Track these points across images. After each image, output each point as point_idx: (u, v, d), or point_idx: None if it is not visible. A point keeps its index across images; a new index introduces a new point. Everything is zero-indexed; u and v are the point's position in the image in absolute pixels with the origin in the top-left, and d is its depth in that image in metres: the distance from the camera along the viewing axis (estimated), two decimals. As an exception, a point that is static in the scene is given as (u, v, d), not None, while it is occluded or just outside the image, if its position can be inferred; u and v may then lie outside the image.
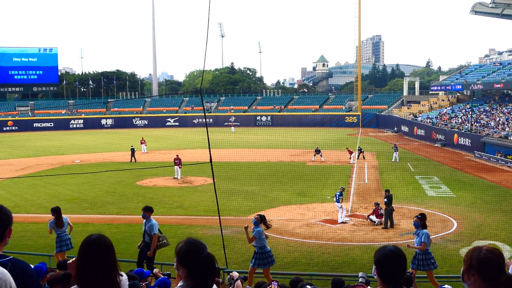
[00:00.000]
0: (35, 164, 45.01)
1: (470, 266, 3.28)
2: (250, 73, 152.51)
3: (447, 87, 77.52)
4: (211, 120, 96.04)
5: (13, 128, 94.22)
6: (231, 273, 9.42)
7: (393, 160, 44.91)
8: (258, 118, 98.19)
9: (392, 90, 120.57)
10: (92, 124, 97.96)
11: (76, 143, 66.83)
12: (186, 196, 30.26)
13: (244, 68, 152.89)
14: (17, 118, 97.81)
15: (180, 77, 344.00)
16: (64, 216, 15.35)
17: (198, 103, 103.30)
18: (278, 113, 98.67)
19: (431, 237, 14.68)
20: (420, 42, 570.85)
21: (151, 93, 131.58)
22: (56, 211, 15.06)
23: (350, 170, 40.33)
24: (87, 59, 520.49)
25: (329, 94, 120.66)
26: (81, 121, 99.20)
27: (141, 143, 54.11)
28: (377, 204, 23.50)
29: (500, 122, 53.18)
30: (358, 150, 46.64)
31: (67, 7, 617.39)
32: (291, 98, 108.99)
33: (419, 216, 14.20)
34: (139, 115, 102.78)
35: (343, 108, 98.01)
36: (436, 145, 59.15)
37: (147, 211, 14.45)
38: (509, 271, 3.63)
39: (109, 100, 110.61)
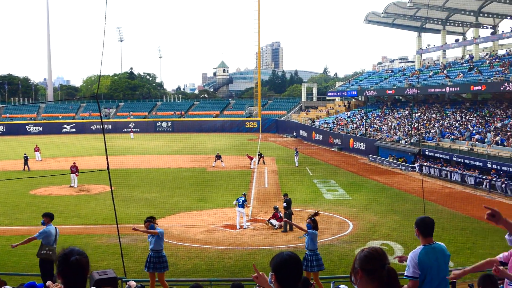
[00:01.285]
0: None
1: (355, 266, 3.46)
2: (150, 79, 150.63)
3: (343, 93, 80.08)
4: (109, 126, 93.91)
5: None
6: (128, 282, 9.28)
7: (296, 165, 45.84)
8: (159, 124, 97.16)
9: (291, 96, 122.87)
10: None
11: (-35, 151, 63.23)
12: (83, 205, 29.42)
13: (143, 73, 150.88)
14: None
15: (77, 82, 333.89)
16: None
17: (96, 109, 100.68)
18: (178, 119, 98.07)
19: (324, 239, 15.12)
20: (317, 49, 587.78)
21: (46, 99, 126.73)
22: None
23: (250, 175, 40.76)
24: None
25: (230, 99, 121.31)
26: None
27: (35, 151, 51.99)
28: (276, 208, 23.90)
29: (392, 126, 55.60)
30: (258, 155, 47.22)
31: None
32: (191, 103, 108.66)
33: (313, 218, 14.60)
34: (33, 121, 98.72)
35: (244, 113, 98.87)
36: (333, 149, 60.95)
37: (46, 217, 13.92)
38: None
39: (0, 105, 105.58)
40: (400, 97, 68.28)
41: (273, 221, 23.64)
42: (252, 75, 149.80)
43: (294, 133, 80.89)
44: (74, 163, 36.62)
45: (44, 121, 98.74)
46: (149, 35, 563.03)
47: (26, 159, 44.28)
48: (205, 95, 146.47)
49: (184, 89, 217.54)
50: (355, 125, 63.82)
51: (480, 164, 35.34)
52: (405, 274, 6.10)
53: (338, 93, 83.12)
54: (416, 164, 42.47)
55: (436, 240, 6.29)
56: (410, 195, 31.61)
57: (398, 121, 57.10)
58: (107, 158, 14.08)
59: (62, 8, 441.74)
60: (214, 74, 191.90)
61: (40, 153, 52.09)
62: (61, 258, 3.69)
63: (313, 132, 70.98)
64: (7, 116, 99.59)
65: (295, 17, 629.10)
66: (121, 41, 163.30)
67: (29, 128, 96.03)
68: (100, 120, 70.38)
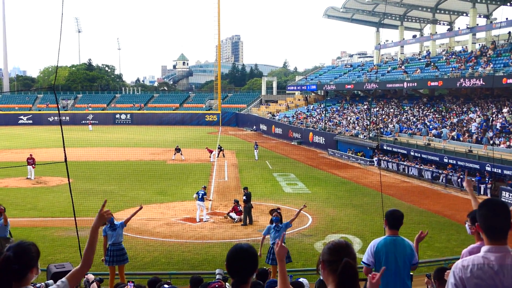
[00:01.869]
0: None
1: (320, 258, 3.52)
2: (109, 70, 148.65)
3: (303, 87, 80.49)
4: (67, 118, 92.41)
5: None
6: (86, 276, 9.16)
7: (256, 158, 45.91)
8: (118, 116, 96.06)
9: (251, 89, 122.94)
10: None
11: None
12: (41, 197, 28.93)
13: (102, 65, 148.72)
14: None
15: (33, 72, 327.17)
16: None
17: (53, 100, 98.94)
18: (138, 111, 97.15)
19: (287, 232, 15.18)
20: (277, 43, 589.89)
21: (1, 89, 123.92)
22: None
23: (210, 168, 40.69)
24: None
25: (190, 92, 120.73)
26: None
27: (-10, 142, 50.87)
28: (236, 202, 23.94)
29: (351, 121, 56.19)
30: (218, 148, 47.14)
31: None
32: (151, 96, 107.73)
33: (278, 210, 14.67)
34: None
35: (203, 106, 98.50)
36: (292, 143, 61.27)
37: None
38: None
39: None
40: (359, 91, 68.98)
41: (233, 215, 23.67)
42: (212, 68, 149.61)
43: (254, 127, 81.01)
44: (30, 154, 35.93)
45: (0, 112, 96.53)
46: (107, 26, 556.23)
47: (-20, 150, 43.30)
48: (165, 88, 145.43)
49: (143, 81, 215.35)
50: (314, 119, 64.23)
51: (437, 159, 36.01)
52: (362, 259, 6.27)
53: (298, 87, 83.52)
54: (375, 159, 43.04)
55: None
56: (369, 189, 32.03)
57: (357, 116, 57.74)
58: (64, 150, 13.80)
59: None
60: (174, 66, 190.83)
61: (-5, 144, 50.96)
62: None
63: (273, 126, 71.20)
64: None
65: (255, 10, 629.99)
66: (79, 32, 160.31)
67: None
68: (57, 112, 69.30)
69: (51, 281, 4.42)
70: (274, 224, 14.41)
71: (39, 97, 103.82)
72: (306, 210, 25.53)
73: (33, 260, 3.64)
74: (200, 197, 23.32)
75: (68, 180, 15.21)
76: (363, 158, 44.67)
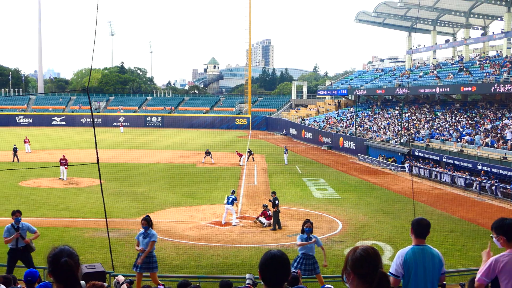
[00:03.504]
0: None
1: (347, 266, 3.42)
2: (141, 73, 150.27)
3: (333, 92, 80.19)
4: (99, 120, 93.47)
5: None
6: (117, 277, 9.19)
7: (286, 163, 45.78)
8: (148, 118, 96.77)
9: (281, 93, 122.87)
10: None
11: (-48, 142, 62.70)
12: (72, 198, 29.24)
13: (134, 67, 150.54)
14: None
15: (67, 75, 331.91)
16: None
17: (86, 102, 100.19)
18: (168, 114, 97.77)
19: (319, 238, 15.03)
20: (308, 47, 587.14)
21: (36, 91, 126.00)
22: None
23: (239, 172, 40.68)
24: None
25: (220, 96, 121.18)
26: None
27: (25, 142, 51.62)
28: (265, 206, 23.86)
29: (382, 126, 55.71)
30: (248, 152, 47.14)
31: None
32: (182, 99, 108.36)
33: (311, 221, 14.56)
34: (23, 113, 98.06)
35: (234, 110, 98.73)
36: (322, 148, 60.99)
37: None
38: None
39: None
40: (390, 96, 68.42)
41: (262, 219, 23.58)
42: (243, 72, 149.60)
43: (284, 131, 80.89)
44: (63, 155, 36.38)
45: (34, 113, 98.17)
46: (140, 30, 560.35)
47: (15, 150, 44.01)
48: (195, 91, 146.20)
49: (174, 84, 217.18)
50: (345, 124, 63.87)
51: (470, 165, 35.45)
52: (389, 270, 6.11)
53: (328, 92, 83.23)
54: (406, 165, 42.55)
55: (426, 241, 6.28)
56: (400, 196, 31.66)
57: (388, 121, 57.22)
58: (96, 152, 13.96)
59: (54, 0, 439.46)
60: (205, 70, 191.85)
61: (29, 145, 51.74)
62: (51, 259, 3.76)
63: (303, 130, 70.99)
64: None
65: (286, 14, 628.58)
66: (112, 35, 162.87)
67: (19, 120, 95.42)
68: (90, 114, 70.14)
69: (83, 282, 4.50)
70: (306, 235, 14.28)
71: (73, 99, 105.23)
72: (336, 216, 25.38)
73: (79, 261, 3.95)
74: (229, 201, 23.32)
75: (100, 182, 15.40)
76: (394, 164, 44.21)
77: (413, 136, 46.89)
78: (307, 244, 14.00)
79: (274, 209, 22.96)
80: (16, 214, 13.78)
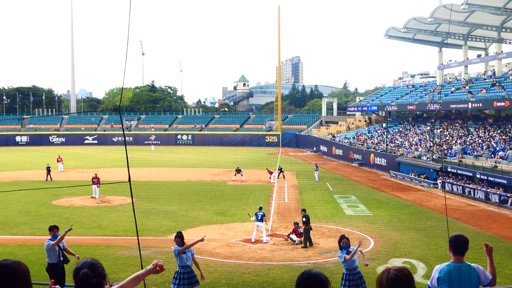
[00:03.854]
0: None
1: (381, 287, 3.36)
2: (171, 92, 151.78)
3: (364, 108, 79.74)
4: (131, 138, 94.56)
5: None
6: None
7: (317, 180, 45.57)
8: (179, 136, 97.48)
9: (311, 110, 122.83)
10: (6, 141, 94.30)
11: (-12, 161, 64.00)
12: (104, 216, 29.50)
13: (165, 86, 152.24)
14: None
15: (99, 94, 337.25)
16: None
17: (118, 121, 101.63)
18: (199, 132, 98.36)
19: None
20: (337, 64, 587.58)
21: (69, 110, 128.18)
22: None
23: (270, 190, 40.61)
24: (1, 73, 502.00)
25: (250, 113, 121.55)
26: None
27: (58, 161, 52.47)
28: (296, 224, 23.72)
29: (413, 142, 55.15)
30: (278, 169, 47.07)
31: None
32: (212, 117, 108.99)
33: (346, 237, 14.47)
34: (56, 132, 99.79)
35: (264, 127, 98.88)
36: (353, 164, 60.61)
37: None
38: None
39: (24, 116, 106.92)
40: (422, 112, 67.77)
41: (293, 237, 23.45)
42: (272, 89, 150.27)
43: (314, 148, 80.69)
44: (95, 174, 36.80)
45: (67, 132, 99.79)
46: (170, 49, 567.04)
47: (48, 170, 44.74)
48: (226, 109, 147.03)
49: (204, 102, 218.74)
50: (375, 141, 63.42)
51: (505, 181, 34.82)
52: (427, 283, 6.14)
53: (359, 108, 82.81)
54: (439, 181, 41.99)
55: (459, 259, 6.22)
56: (433, 213, 31.20)
57: (419, 137, 56.65)
58: (128, 170, 14.01)
59: (86, 21, 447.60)
60: (235, 88, 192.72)
61: (62, 163, 52.54)
62: (74, 272, 3.90)
63: (334, 147, 70.69)
64: (31, 127, 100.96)
65: (315, 31, 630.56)
66: (143, 54, 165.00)
67: (52, 139, 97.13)
68: (122, 132, 70.79)
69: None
70: (345, 251, 14.16)
71: (104, 118, 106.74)
72: (368, 233, 25.10)
73: (104, 272, 3.99)
74: (259, 218, 23.27)
75: (132, 200, 15.51)
76: (426, 180, 43.66)
77: (446, 152, 46.31)
78: (351, 258, 13.88)
79: (304, 227, 22.84)
80: (54, 229, 14.06)
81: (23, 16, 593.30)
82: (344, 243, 14.19)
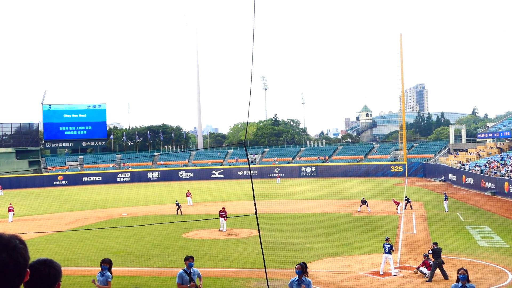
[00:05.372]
0: (83, 218, 45.71)
1: None
2: (294, 124, 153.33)
3: (495, 134, 76.17)
4: (255, 171, 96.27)
5: (63, 182, 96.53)
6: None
7: (446, 210, 43.86)
8: (303, 169, 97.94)
9: (437, 138, 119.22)
10: (139, 177, 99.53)
11: (123, 196, 67.73)
12: (232, 249, 30.06)
13: (287, 119, 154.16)
14: (67, 172, 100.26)
15: (224, 129, 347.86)
16: (108, 273, 14.85)
17: (243, 155, 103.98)
18: (322, 164, 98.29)
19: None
20: (464, 89, 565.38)
21: (196, 146, 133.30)
22: (109, 263, 14.82)
23: (397, 221, 39.58)
24: (134, 114, 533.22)
25: (374, 143, 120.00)
26: (128, 174, 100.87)
27: (187, 196, 54.48)
28: (426, 256, 22.93)
29: (552, 169, 51.72)
30: (405, 200, 45.84)
31: (116, 65, 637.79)
32: (335, 148, 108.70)
33: (464, 268, 13.77)
34: (185, 167, 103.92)
35: (388, 157, 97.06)
36: (486, 193, 57.75)
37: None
38: None
39: (155, 153, 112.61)
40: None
41: (423, 269, 22.65)
42: (396, 118, 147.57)
43: (443, 177, 77.90)
44: (223, 207, 37.66)
45: (195, 167, 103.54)
46: (292, 82, 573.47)
47: (178, 205, 46.27)
48: (349, 140, 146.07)
49: (327, 134, 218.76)
50: (510, 168, 60.12)
51: None
52: None
53: (489, 135, 79.22)
54: None
55: None
56: None
57: (558, 163, 53.04)
58: (254, 203, 14.31)
59: (210, 60, 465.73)
60: (357, 118, 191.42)
61: (191, 198, 54.44)
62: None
63: (463, 175, 67.85)
64: (161, 163, 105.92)
65: (439, 57, 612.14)
66: (265, 89, 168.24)
67: (181, 174, 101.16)
68: (247, 166, 72.55)
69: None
70: (460, 284, 13.49)
71: (230, 152, 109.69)
72: (505, 266, 23.71)
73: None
74: (386, 250, 22.75)
75: (259, 232, 15.72)
76: None
77: None
78: None
79: (433, 260, 22.03)
80: (189, 259, 14.64)
81: (152, 59, 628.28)
82: (461, 274, 13.50)
